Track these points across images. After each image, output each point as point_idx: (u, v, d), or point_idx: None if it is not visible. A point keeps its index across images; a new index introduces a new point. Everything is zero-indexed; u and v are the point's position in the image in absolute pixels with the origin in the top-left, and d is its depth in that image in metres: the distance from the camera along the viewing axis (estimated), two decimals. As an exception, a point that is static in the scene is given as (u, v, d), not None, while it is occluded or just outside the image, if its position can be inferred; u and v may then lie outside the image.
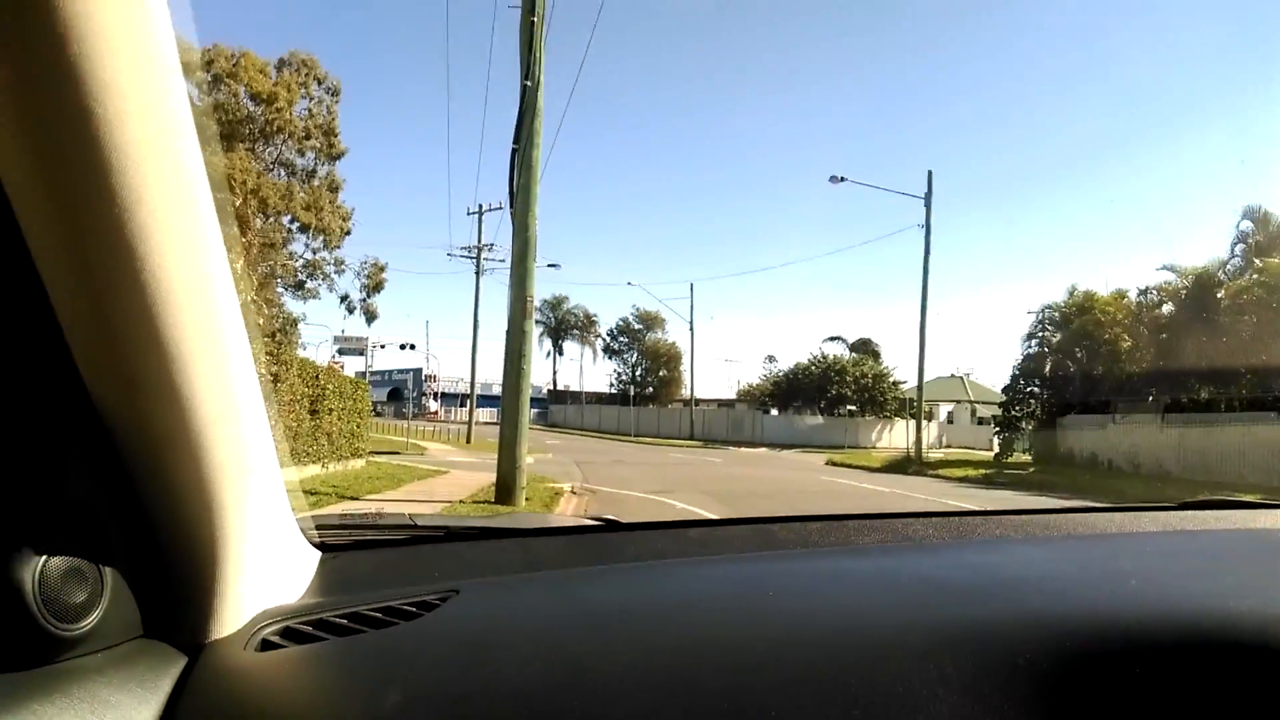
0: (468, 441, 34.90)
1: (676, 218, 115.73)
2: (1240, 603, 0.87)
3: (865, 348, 53.80)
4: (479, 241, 36.15)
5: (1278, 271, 22.71)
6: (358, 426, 19.26)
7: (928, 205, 26.98)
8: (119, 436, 0.85)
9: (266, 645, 0.96)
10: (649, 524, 1.44)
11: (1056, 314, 30.40)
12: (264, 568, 1.03)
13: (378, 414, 40.69)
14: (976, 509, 1.61)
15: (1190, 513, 1.44)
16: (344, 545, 1.27)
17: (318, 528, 1.26)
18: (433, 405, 68.41)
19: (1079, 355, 29.02)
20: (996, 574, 1.04)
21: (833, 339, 57.27)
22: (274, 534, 1.05)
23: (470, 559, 1.28)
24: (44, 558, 0.81)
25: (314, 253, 23.49)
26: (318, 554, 1.21)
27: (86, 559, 0.85)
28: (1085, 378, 28.03)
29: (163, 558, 0.92)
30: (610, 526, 1.43)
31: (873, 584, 1.03)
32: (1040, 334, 31.16)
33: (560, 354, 70.23)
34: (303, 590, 1.13)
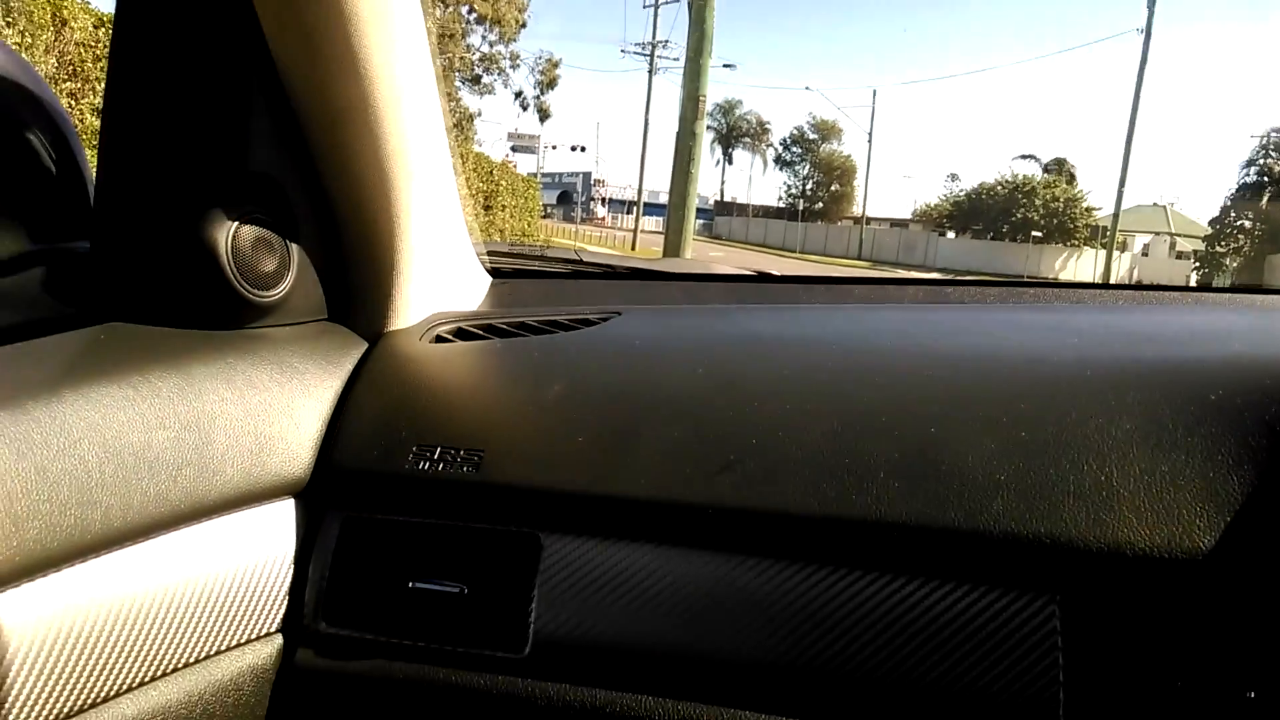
0: (633, 249, 35.31)
1: (861, 15, 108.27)
2: None
3: (1060, 168, 49.84)
4: (654, 37, 35.11)
5: None
6: (529, 225, 19.77)
7: (1150, 5, 23.97)
8: (300, 107, 0.88)
9: (440, 341, 1.01)
10: (811, 277, 1.41)
11: (1285, 140, 27.14)
12: (439, 273, 1.07)
13: (546, 215, 41.50)
14: (1172, 285, 1.48)
15: None
16: (512, 273, 1.31)
17: (489, 254, 1.30)
18: (600, 211, 69.09)
19: (1304, 188, 26.01)
20: (1194, 326, 0.96)
21: (1025, 157, 53.55)
22: (448, 242, 1.08)
23: (632, 293, 1.30)
24: (235, 224, 0.86)
25: (490, 45, 23.46)
26: (489, 278, 1.25)
27: (273, 230, 0.90)
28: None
29: (345, 242, 0.97)
30: (772, 277, 1.40)
31: (1053, 330, 0.97)
32: (1261, 161, 28.00)
33: (730, 163, 68.72)
34: (474, 306, 1.18)
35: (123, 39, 0.85)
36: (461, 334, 1.03)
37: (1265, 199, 27.57)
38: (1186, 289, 1.32)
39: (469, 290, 1.17)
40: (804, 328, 1.05)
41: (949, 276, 1.35)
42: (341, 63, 0.83)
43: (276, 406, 0.85)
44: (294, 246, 0.93)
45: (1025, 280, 1.40)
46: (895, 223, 56.20)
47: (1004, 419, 0.77)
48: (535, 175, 30.43)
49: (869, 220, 53.17)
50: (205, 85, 0.85)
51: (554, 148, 55.25)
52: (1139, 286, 1.31)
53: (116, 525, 0.69)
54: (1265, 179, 28.00)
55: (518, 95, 26.47)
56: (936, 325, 1.03)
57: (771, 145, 65.59)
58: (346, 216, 0.95)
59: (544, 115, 27.55)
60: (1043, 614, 0.70)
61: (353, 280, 1.00)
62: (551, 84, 26.57)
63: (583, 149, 55.33)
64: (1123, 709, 0.68)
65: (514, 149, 46.34)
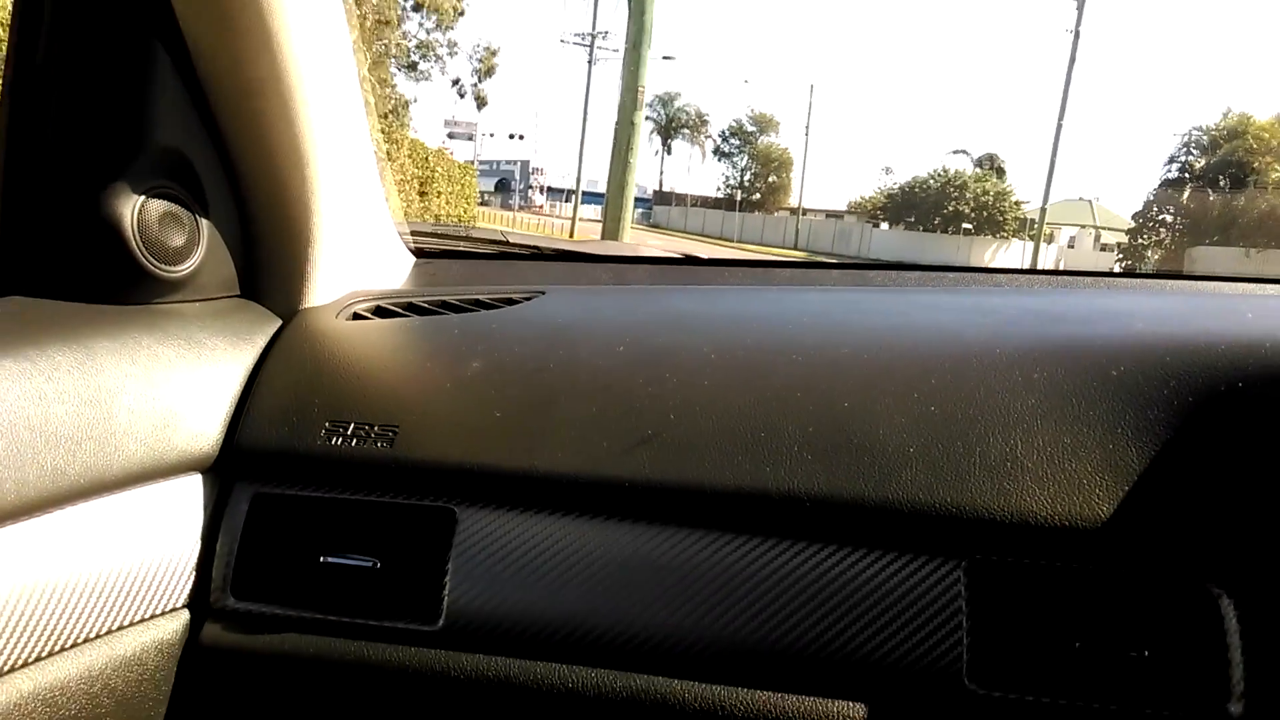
0: (570, 236, 35.18)
1: (799, 13, 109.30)
2: None
3: (990, 163, 50.92)
4: (594, 27, 34.97)
5: None
6: (465, 212, 19.55)
7: (1080, 7, 24.63)
8: (210, 80, 0.85)
9: (357, 318, 0.99)
10: (737, 260, 1.42)
11: (1205, 137, 28.19)
12: (358, 251, 1.06)
13: (484, 203, 41.09)
14: (1089, 270, 1.52)
15: None
16: (436, 253, 1.30)
17: (413, 233, 1.28)
18: (538, 199, 68.59)
19: (1222, 184, 27.04)
20: (1102, 308, 0.99)
21: (957, 152, 54.61)
22: (367, 220, 1.06)
23: (558, 274, 1.29)
24: (142, 197, 0.83)
25: (427, 33, 23.15)
26: (412, 258, 1.23)
27: (182, 205, 0.88)
28: (1225, 209, 26.21)
29: (258, 218, 0.95)
30: (697, 260, 1.41)
31: (967, 311, 0.99)
32: (1183, 158, 29.08)
33: (669, 153, 68.77)
34: (396, 285, 1.16)
35: (27, 9, 0.82)
36: (380, 312, 1.01)
37: (1186, 194, 28.61)
38: (1100, 274, 1.35)
39: (390, 269, 1.15)
40: (726, 308, 1.06)
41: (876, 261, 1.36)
42: (252, 36, 0.82)
43: (182, 382, 0.82)
44: (204, 221, 0.90)
45: (947, 265, 1.44)
46: (831, 214, 56.87)
47: (914, 395, 0.79)
48: (472, 162, 30.10)
49: (805, 211, 53.73)
50: (112, 57, 0.83)
51: (491, 135, 54.81)
52: (1055, 272, 1.35)
53: (10, 500, 0.67)
54: (1186, 175, 29.10)
55: (455, 83, 26.18)
56: (855, 305, 1.04)
57: (710, 137, 65.85)
58: (259, 192, 0.93)
59: (481, 103, 27.31)
60: (948, 579, 0.73)
61: (266, 256, 0.97)
62: (489, 72, 26.38)
63: (521, 137, 55.05)
64: (1022, 668, 0.70)
65: (451, 135, 45.81)
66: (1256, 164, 26.06)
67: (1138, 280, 1.29)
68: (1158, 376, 0.77)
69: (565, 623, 0.77)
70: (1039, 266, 26.98)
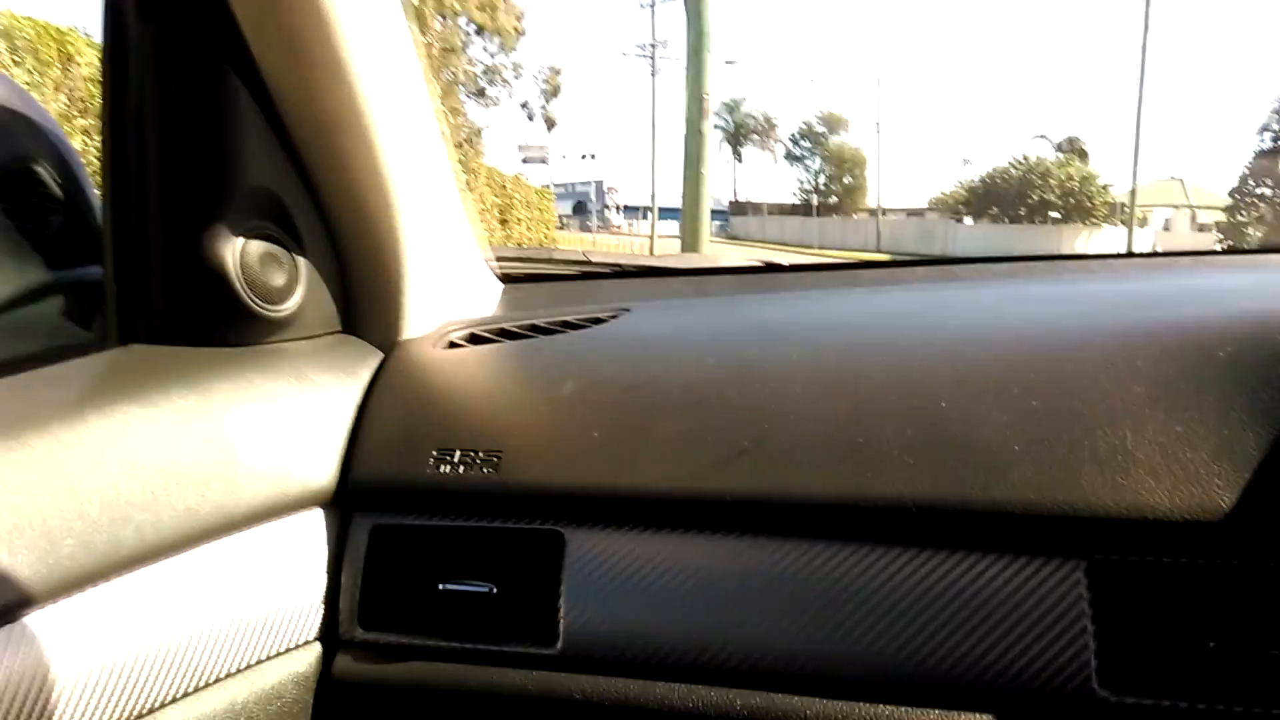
0: (650, 254, 35.24)
1: (859, 4, 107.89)
2: None
3: (1072, 147, 49.29)
4: (653, 36, 35.24)
5: None
6: (545, 237, 19.83)
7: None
8: (290, 117, 0.89)
9: (453, 346, 1.02)
10: (819, 264, 1.41)
11: (1302, 102, 26.81)
12: (449, 281, 1.09)
13: (562, 227, 41.57)
14: (1185, 250, 1.47)
15: None
16: (522, 278, 1.32)
17: (498, 260, 1.31)
18: (615, 219, 68.98)
19: (1321, 150, 25.68)
20: (1201, 288, 0.95)
21: (1038, 137, 52.98)
22: (455, 249, 1.10)
23: (641, 290, 1.31)
24: (241, 240, 0.87)
25: (492, 56, 23.69)
26: (500, 285, 1.26)
27: (279, 244, 0.92)
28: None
29: (350, 253, 0.98)
30: (779, 267, 1.41)
31: (1060, 300, 0.97)
32: (1276, 127, 27.67)
33: (740, 161, 68.48)
34: (487, 312, 1.19)
35: (114, 65, 0.86)
36: (474, 339, 1.04)
37: (1281, 164, 27.30)
38: (1193, 253, 1.31)
39: (481, 297, 1.18)
40: (811, 313, 1.05)
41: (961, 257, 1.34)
42: (325, 67, 0.85)
43: (297, 419, 0.86)
44: (301, 260, 0.94)
45: (1034, 255, 1.40)
46: (911, 212, 55.78)
47: (1014, 390, 0.77)
48: (549, 186, 30.48)
49: (884, 211, 52.85)
50: (198, 102, 0.87)
51: (564, 157, 55.43)
52: (1147, 254, 1.31)
53: (149, 540, 0.71)
54: (1281, 143, 27.73)
55: (523, 105, 26.69)
56: (944, 302, 1.03)
57: (780, 141, 65.34)
58: (349, 227, 0.97)
59: (551, 124, 27.77)
60: (1069, 581, 0.70)
61: (362, 291, 1.01)
62: (556, 91, 26.78)
63: (593, 156, 55.76)
64: (1156, 672, 0.67)
65: (525, 160, 46.43)
66: (1361, 125, 24.74)
67: (1237, 257, 1.24)
68: (1269, 355, 0.73)
69: (679, 641, 0.77)
70: (1132, 250, 26.06)
